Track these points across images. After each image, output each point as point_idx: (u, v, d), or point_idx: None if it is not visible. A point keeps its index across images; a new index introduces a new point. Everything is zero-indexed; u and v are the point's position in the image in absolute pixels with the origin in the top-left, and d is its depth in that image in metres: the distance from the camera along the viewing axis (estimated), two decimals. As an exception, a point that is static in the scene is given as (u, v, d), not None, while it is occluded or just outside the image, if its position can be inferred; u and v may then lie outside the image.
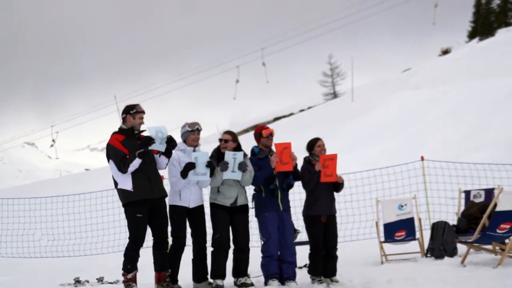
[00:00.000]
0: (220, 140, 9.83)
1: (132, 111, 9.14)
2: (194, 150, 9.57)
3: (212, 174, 9.52)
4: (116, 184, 9.03)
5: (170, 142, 9.12)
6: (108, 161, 8.98)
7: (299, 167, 9.99)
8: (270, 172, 9.66)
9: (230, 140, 9.75)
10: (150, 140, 8.86)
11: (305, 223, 10.12)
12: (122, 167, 8.75)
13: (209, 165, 9.44)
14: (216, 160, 9.62)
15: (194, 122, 9.70)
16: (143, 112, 9.18)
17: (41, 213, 19.34)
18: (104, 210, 18.73)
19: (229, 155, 9.53)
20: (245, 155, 9.61)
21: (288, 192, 9.95)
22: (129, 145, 8.81)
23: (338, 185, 10.16)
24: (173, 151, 9.35)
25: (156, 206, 9.01)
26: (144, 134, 9.11)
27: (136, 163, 8.75)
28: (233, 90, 34.66)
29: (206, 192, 10.02)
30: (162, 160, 9.24)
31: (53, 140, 39.10)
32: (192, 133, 9.57)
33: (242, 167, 9.46)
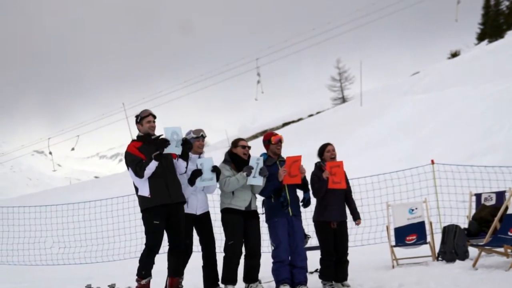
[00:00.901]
0: (236, 144, 9.88)
1: (138, 120, 9.19)
2: (199, 157, 9.60)
3: (218, 179, 9.55)
4: (136, 190, 9.04)
5: (186, 144, 9.08)
6: (128, 168, 8.99)
7: (308, 174, 9.99)
8: (279, 184, 9.67)
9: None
10: (165, 141, 8.82)
11: (316, 229, 10.11)
12: (138, 171, 8.74)
13: (215, 169, 9.48)
14: (231, 164, 9.67)
15: (199, 129, 9.73)
16: (148, 115, 9.15)
17: (52, 221, 19.40)
18: (114, 217, 18.80)
19: (253, 160, 9.59)
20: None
21: (307, 207, 9.97)
22: (146, 151, 8.81)
23: (348, 192, 10.18)
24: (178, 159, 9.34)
25: (174, 212, 8.96)
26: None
27: (152, 166, 8.73)
28: (254, 91, 34.43)
29: (211, 199, 10.04)
30: (180, 163, 9.18)
31: (50, 153, 39.17)
32: (197, 140, 9.60)
33: (263, 172, 9.50)
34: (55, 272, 17.10)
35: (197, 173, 9.32)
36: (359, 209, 14.67)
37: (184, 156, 9.16)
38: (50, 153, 39.19)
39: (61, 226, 19.66)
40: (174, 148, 8.97)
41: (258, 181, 9.56)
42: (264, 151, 10.02)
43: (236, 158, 9.78)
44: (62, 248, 18.86)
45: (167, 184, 8.94)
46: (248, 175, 9.47)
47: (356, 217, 10.24)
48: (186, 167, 9.28)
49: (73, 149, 35.39)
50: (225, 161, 9.79)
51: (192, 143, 9.51)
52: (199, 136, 9.62)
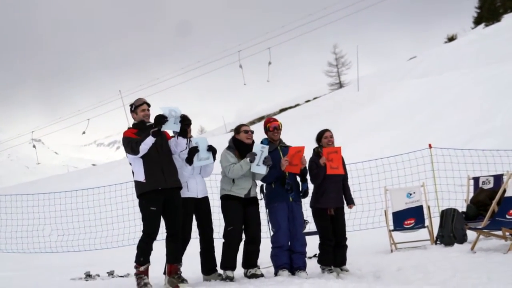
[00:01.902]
0: (239, 130, 9.93)
1: (132, 109, 9.18)
2: (189, 140, 9.57)
3: (214, 158, 9.55)
4: (134, 176, 9.03)
5: (184, 121, 9.03)
6: (127, 155, 8.98)
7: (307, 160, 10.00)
8: (281, 172, 9.67)
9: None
10: (162, 118, 8.79)
11: (313, 215, 10.12)
12: (134, 147, 8.71)
13: (210, 149, 9.50)
14: (235, 151, 9.68)
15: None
16: (142, 104, 9.13)
17: (50, 209, 19.42)
18: (113, 205, 18.84)
19: (257, 147, 9.60)
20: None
21: (305, 197, 9.99)
22: (144, 134, 8.80)
23: (344, 179, 10.20)
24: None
25: (170, 197, 8.94)
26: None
27: (149, 141, 8.69)
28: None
29: (209, 185, 10.03)
30: (180, 141, 9.14)
31: (34, 146, 39.06)
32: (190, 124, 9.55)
33: (267, 161, 9.51)
34: (54, 259, 17.14)
35: (194, 150, 9.33)
36: (357, 194, 14.72)
37: (183, 134, 9.14)
38: (34, 146, 39.13)
39: (59, 213, 19.68)
40: (172, 125, 8.93)
41: (261, 169, 9.56)
42: (264, 136, 10.03)
43: (240, 144, 9.77)
44: (60, 236, 18.88)
45: (163, 168, 8.92)
46: (251, 161, 9.47)
47: (350, 202, 10.26)
48: (187, 144, 9.26)
49: (84, 132, 35.20)
50: (229, 148, 9.79)
51: None
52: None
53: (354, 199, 10.39)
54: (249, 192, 9.70)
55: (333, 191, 9.96)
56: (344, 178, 10.22)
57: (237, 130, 10.00)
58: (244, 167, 9.50)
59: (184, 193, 9.41)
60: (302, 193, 9.95)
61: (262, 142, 9.93)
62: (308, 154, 9.92)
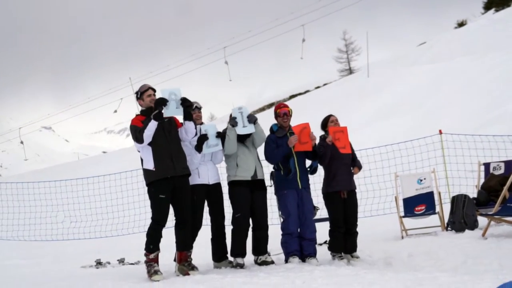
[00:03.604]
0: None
1: (138, 95, 9.16)
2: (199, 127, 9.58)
3: (223, 144, 9.56)
4: (142, 163, 9.03)
5: (185, 103, 8.98)
6: (133, 141, 8.98)
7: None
8: (288, 150, 9.65)
9: None
10: (163, 100, 8.77)
11: (325, 200, 10.11)
12: (138, 136, 8.71)
13: (219, 135, 9.52)
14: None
15: (193, 101, 9.66)
16: (147, 89, 9.09)
17: (62, 196, 19.55)
18: (124, 192, 18.92)
19: (235, 111, 9.63)
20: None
21: (313, 174, 9.97)
22: (147, 119, 8.79)
23: (354, 160, 10.19)
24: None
25: (179, 184, 8.94)
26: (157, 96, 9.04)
27: (152, 126, 8.66)
28: (299, 50, 34.20)
29: (220, 171, 10.04)
30: (188, 126, 9.11)
31: (21, 142, 39.08)
32: (193, 112, 9.51)
33: (252, 118, 9.54)
34: (65, 246, 17.22)
35: (203, 137, 9.34)
36: (367, 180, 14.70)
37: (188, 116, 9.11)
38: (21, 142, 39.15)
39: (71, 200, 19.81)
40: (174, 110, 8.91)
41: (250, 129, 9.57)
42: (274, 121, 10.02)
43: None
44: (73, 222, 18.98)
45: (172, 155, 8.90)
46: (233, 125, 9.49)
47: (356, 165, 10.23)
48: (196, 128, 9.25)
49: (115, 111, 35.24)
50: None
51: None
52: (193, 108, 9.57)
53: (364, 185, 10.38)
54: (256, 174, 9.70)
55: (344, 174, 9.95)
56: (353, 158, 10.21)
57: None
58: (230, 135, 9.53)
59: (195, 180, 9.42)
60: (310, 170, 9.93)
61: (271, 128, 9.93)
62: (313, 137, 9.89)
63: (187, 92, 9.38)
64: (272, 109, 11.06)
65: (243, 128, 9.55)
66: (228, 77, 35.59)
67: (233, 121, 9.54)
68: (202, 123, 9.78)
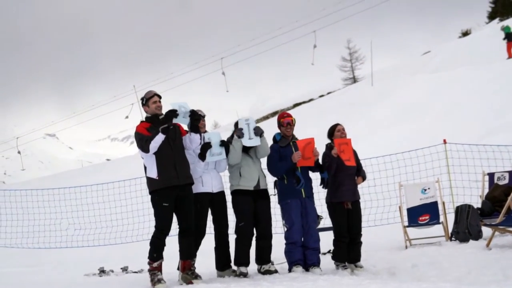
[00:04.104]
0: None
1: (144, 102, 9.16)
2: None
3: (227, 153, 9.57)
4: (146, 171, 9.03)
5: (193, 116, 9.02)
6: (138, 148, 8.98)
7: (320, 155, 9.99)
8: (291, 165, 9.66)
9: None
10: (173, 112, 8.79)
11: (329, 210, 10.12)
12: (144, 146, 8.70)
13: (223, 144, 9.52)
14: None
15: (196, 109, 9.67)
16: (153, 96, 9.08)
17: (66, 203, 19.54)
18: (127, 199, 18.90)
19: (242, 122, 9.63)
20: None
21: (326, 187, 10.00)
22: (155, 130, 8.78)
23: (359, 170, 10.19)
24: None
25: (183, 193, 8.93)
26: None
27: (158, 139, 8.65)
28: (311, 56, 34.50)
29: (225, 180, 10.04)
30: (193, 137, 9.13)
31: (19, 152, 39.20)
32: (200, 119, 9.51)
33: (258, 131, 9.53)
34: (67, 254, 17.20)
35: (207, 145, 9.35)
36: (371, 189, 14.67)
37: (194, 129, 9.13)
38: (19, 152, 39.27)
39: (75, 208, 19.80)
40: (181, 119, 8.95)
41: (255, 141, 9.59)
42: (277, 131, 10.03)
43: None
44: (77, 230, 18.98)
45: (176, 164, 8.89)
46: (240, 136, 9.49)
47: (360, 174, 10.23)
48: (201, 138, 9.26)
49: (127, 117, 35.38)
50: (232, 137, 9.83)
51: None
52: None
53: (368, 195, 10.37)
54: (258, 184, 9.70)
55: (348, 184, 9.96)
56: (358, 168, 10.21)
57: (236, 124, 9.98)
58: (236, 146, 9.54)
59: (199, 188, 9.42)
60: (324, 184, 9.97)
61: (274, 137, 9.95)
62: (320, 147, 9.91)
63: (191, 100, 9.41)
64: (276, 117, 11.08)
65: (249, 140, 9.57)
66: (225, 88, 35.71)
67: (239, 132, 9.55)
68: (205, 131, 9.79)
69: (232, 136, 9.82)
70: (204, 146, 9.35)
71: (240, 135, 9.54)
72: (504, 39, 35.30)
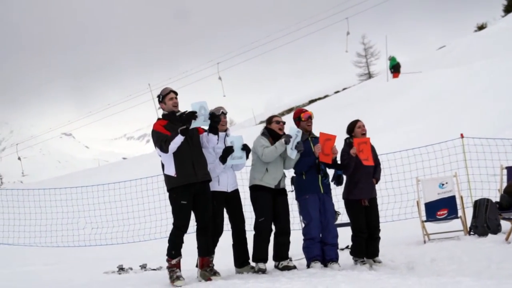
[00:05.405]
0: (271, 121, 10.03)
1: (160, 99, 9.16)
2: (226, 135, 9.58)
3: (248, 157, 9.58)
4: (163, 168, 9.03)
5: (213, 118, 8.97)
6: (155, 147, 8.97)
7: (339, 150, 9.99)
8: (314, 160, 9.66)
9: None
10: (192, 114, 8.71)
11: (346, 207, 10.12)
12: (163, 146, 8.68)
13: (244, 148, 9.50)
14: (269, 137, 9.78)
15: (218, 107, 9.66)
16: (169, 92, 9.08)
17: (83, 202, 19.64)
18: (144, 198, 18.96)
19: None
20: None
21: (339, 185, 9.99)
22: (172, 128, 8.71)
23: (376, 168, 10.18)
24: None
25: (201, 190, 8.93)
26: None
27: (178, 140, 8.62)
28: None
29: (239, 177, 10.04)
30: (211, 137, 9.10)
31: (19, 158, 39.53)
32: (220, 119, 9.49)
33: (298, 147, 9.54)
34: (87, 252, 17.30)
35: (229, 150, 9.33)
36: (388, 184, 14.62)
37: (213, 130, 9.10)
38: (19, 158, 39.60)
39: (92, 207, 19.88)
40: (202, 122, 8.87)
41: (293, 154, 9.58)
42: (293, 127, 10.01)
43: (273, 133, 9.80)
44: (94, 229, 19.06)
45: (193, 162, 8.87)
46: (286, 142, 9.48)
47: (375, 176, 10.21)
48: (218, 139, 9.25)
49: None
50: (263, 134, 9.84)
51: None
52: (220, 113, 9.55)
53: (386, 190, 10.35)
54: (279, 183, 9.71)
55: (365, 182, 9.96)
56: (375, 166, 10.20)
57: (269, 120, 10.04)
58: (278, 148, 9.51)
59: (215, 187, 9.41)
60: (336, 180, 9.94)
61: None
62: (338, 145, 9.90)
63: (206, 98, 9.38)
64: (291, 115, 11.08)
65: (290, 150, 9.57)
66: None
67: (288, 139, 9.53)
68: (227, 129, 9.77)
69: (263, 133, 9.92)
70: (226, 150, 9.34)
71: (287, 142, 9.53)
72: None
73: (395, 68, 40.01)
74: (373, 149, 10.11)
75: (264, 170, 9.64)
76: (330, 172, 10.04)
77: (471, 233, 11.76)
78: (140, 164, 34.38)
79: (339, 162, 9.98)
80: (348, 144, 10.00)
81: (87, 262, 15.19)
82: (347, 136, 10.20)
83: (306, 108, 11.10)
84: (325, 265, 9.49)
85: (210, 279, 8.84)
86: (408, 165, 16.55)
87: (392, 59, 39.67)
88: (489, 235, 11.25)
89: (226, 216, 9.71)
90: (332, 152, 9.69)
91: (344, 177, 10.08)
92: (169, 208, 9.05)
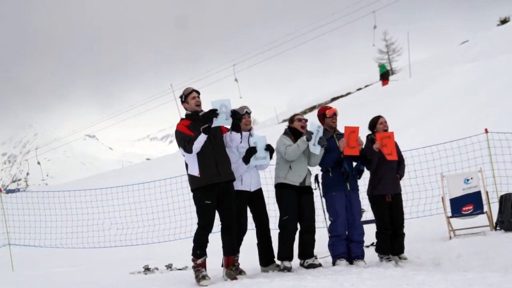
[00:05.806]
0: (293, 119, 10.00)
1: (183, 99, 9.16)
2: (250, 134, 9.57)
3: (271, 157, 9.57)
4: (187, 168, 9.04)
5: (235, 116, 8.91)
6: (179, 147, 8.98)
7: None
8: (339, 155, 9.64)
9: None
10: (212, 112, 8.68)
11: (370, 203, 10.10)
12: (187, 146, 8.70)
13: (268, 148, 9.49)
14: (291, 136, 9.76)
15: (242, 106, 9.66)
16: (191, 92, 9.08)
17: (108, 203, 19.73)
18: (169, 198, 19.03)
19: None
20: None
21: (359, 178, 9.94)
22: (195, 128, 8.71)
23: (400, 164, 10.13)
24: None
25: (225, 190, 8.93)
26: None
27: (201, 139, 8.62)
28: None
29: (263, 176, 10.04)
30: (234, 136, 9.06)
31: (38, 163, 39.72)
32: (243, 117, 9.49)
33: (322, 141, 9.50)
34: (113, 253, 17.40)
35: (252, 151, 9.33)
36: (413, 181, 14.54)
37: (236, 129, 9.06)
38: (38, 163, 39.82)
39: (117, 208, 19.97)
40: (224, 121, 8.82)
41: (316, 149, 9.54)
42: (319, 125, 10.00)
43: (295, 132, 9.79)
44: (120, 230, 19.16)
45: (217, 162, 8.87)
46: (308, 139, 9.46)
47: (399, 172, 10.16)
48: (241, 138, 9.23)
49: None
50: (285, 133, 9.83)
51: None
52: (244, 113, 9.55)
53: (410, 187, 10.30)
54: (304, 181, 9.68)
55: (389, 177, 9.93)
56: (400, 162, 10.16)
57: (291, 119, 10.03)
58: (301, 146, 9.48)
59: (238, 186, 9.39)
60: (356, 173, 9.90)
61: None
62: (362, 137, 9.88)
63: (230, 99, 9.33)
64: (314, 112, 11.07)
65: (313, 146, 9.54)
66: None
67: (309, 135, 9.50)
68: (251, 128, 9.77)
69: (286, 132, 9.90)
70: (249, 150, 9.35)
71: (309, 138, 9.51)
72: None
73: (383, 76, 40.94)
74: (396, 146, 10.08)
75: (288, 168, 9.63)
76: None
77: (497, 228, 11.69)
78: (163, 165, 34.55)
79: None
80: (370, 140, 9.97)
81: (113, 263, 15.28)
82: (369, 132, 10.17)
83: (329, 105, 11.08)
84: (351, 263, 9.48)
85: (235, 278, 8.85)
86: (432, 161, 16.47)
87: (382, 67, 40.42)
88: (516, 230, 11.18)
89: (250, 215, 9.72)
90: (358, 143, 9.67)
91: (367, 173, 10.05)
92: (194, 208, 9.06)
